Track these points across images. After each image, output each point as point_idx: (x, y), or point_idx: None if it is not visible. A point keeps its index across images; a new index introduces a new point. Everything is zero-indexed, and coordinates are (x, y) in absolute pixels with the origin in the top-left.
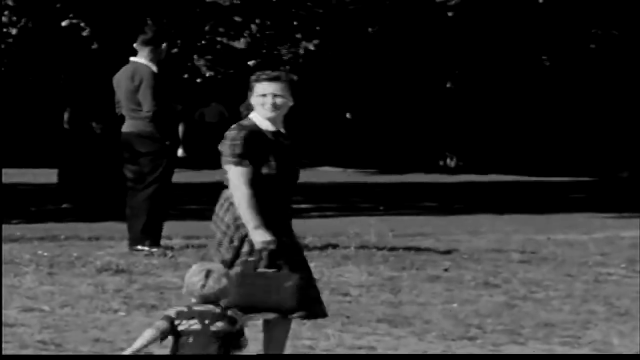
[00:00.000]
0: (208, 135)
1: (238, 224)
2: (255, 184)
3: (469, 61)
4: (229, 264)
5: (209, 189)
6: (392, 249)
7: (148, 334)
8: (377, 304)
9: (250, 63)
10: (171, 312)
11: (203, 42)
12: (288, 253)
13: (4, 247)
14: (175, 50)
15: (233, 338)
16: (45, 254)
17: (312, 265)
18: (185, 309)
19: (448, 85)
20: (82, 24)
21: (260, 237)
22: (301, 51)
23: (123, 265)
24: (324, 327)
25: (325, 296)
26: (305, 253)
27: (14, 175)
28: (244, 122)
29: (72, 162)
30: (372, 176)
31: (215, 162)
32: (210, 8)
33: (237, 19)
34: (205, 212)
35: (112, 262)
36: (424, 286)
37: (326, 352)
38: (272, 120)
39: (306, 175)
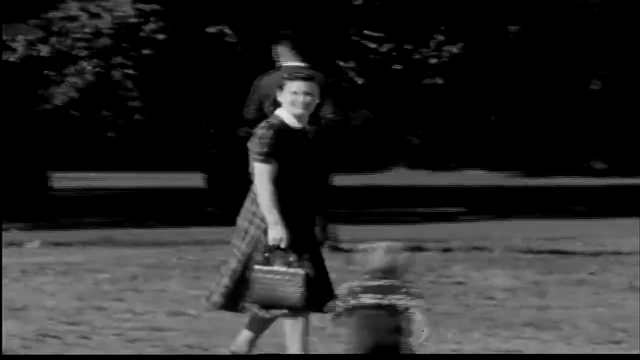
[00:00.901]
0: (353, 138)
1: (262, 217)
2: (280, 180)
3: (615, 61)
4: (248, 254)
5: (357, 192)
6: (538, 252)
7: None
8: (523, 308)
9: (396, 67)
10: (344, 290)
11: (348, 46)
12: (307, 248)
13: (151, 251)
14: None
15: (404, 311)
16: (191, 258)
17: (458, 268)
18: (357, 285)
19: (594, 86)
20: (226, 30)
21: (275, 233)
22: (445, 54)
23: None
24: (470, 331)
25: (470, 299)
26: (452, 256)
27: (160, 180)
28: (272, 119)
29: (218, 166)
30: (518, 179)
31: (351, 166)
32: (355, 12)
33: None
34: (354, 216)
35: None
36: (569, 290)
37: (472, 354)
38: (299, 117)
39: (452, 178)
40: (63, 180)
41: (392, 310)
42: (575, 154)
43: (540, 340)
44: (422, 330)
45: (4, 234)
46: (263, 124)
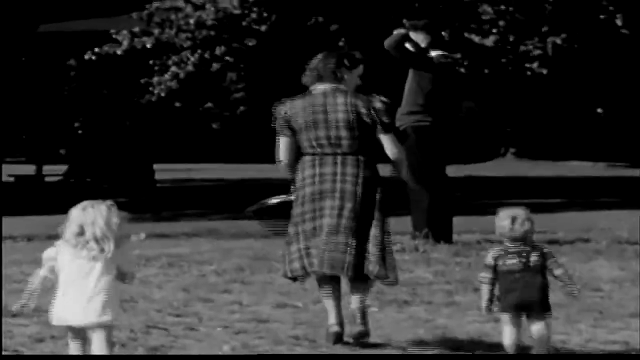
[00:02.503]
0: (459, 129)
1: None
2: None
3: None
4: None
5: (458, 183)
6: None
7: (483, 290)
8: (630, 299)
9: (502, 60)
10: (490, 260)
11: (447, 38)
12: None
13: (257, 243)
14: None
15: (546, 267)
16: None
17: (563, 259)
18: (502, 251)
19: None
20: (323, 21)
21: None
22: (549, 45)
23: None
24: (577, 323)
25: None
26: (557, 248)
27: (265, 172)
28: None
29: None
30: (623, 170)
31: (452, 157)
32: (459, 4)
33: (486, 11)
34: (456, 208)
35: None
36: None
37: (579, 347)
38: None
39: (555, 169)
40: (167, 172)
41: (536, 270)
42: None
43: None
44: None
45: None
46: (382, 98)
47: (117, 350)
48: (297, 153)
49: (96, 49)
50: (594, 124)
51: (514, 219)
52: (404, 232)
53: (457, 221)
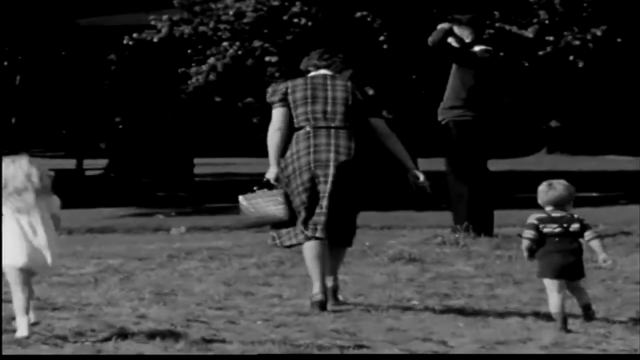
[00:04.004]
0: (500, 124)
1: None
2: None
3: None
4: None
5: (498, 178)
6: None
7: (524, 244)
8: None
9: (541, 53)
10: (533, 220)
11: (491, 30)
12: None
13: None
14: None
15: (584, 237)
16: None
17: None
18: (545, 215)
19: None
20: (370, 17)
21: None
22: (588, 36)
23: (416, 254)
24: (618, 316)
25: (618, 284)
26: None
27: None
28: None
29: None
30: None
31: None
32: None
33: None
34: (496, 202)
35: (405, 251)
36: None
37: (620, 341)
38: None
39: (594, 164)
40: (207, 166)
41: (575, 236)
42: None
43: None
44: (601, 255)
45: (151, 219)
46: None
47: (158, 343)
48: (289, 128)
49: (134, 34)
50: (633, 117)
51: (550, 184)
52: (445, 225)
53: (498, 214)
